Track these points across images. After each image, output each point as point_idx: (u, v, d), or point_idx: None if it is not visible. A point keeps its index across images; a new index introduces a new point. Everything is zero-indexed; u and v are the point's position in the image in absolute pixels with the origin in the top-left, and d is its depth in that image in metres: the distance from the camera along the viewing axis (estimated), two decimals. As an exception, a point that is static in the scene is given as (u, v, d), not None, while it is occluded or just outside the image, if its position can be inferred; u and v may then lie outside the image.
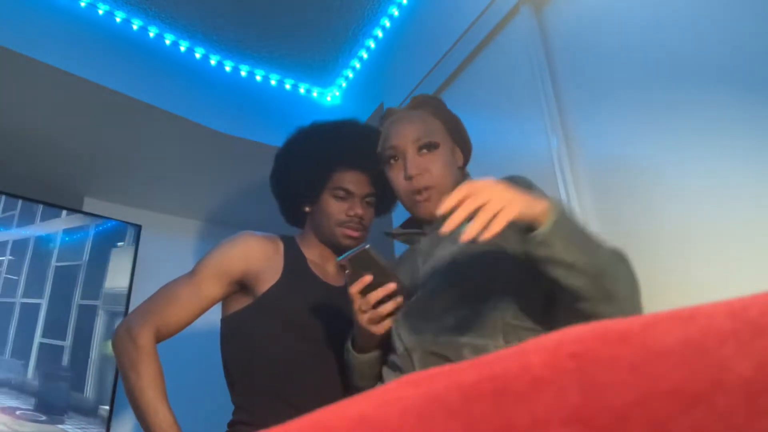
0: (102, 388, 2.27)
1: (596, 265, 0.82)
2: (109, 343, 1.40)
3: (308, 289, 1.26)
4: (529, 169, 1.20)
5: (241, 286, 1.26)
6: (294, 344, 1.20)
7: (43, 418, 2.12)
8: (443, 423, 0.31)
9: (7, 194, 2.25)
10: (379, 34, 2.35)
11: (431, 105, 1.18)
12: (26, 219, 2.31)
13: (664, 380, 0.28)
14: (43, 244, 2.33)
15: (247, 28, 2.30)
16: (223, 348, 1.29)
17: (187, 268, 1.30)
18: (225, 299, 1.29)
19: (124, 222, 2.53)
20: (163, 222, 2.80)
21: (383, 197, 1.34)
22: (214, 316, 1.33)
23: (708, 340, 0.29)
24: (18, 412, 2.06)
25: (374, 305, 0.97)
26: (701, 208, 1.09)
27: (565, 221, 0.82)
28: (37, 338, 2.20)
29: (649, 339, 0.31)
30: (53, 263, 2.33)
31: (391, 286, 0.96)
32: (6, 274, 2.21)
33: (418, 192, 1.07)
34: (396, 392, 0.35)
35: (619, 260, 0.86)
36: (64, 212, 2.41)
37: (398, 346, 0.98)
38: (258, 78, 2.49)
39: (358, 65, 2.49)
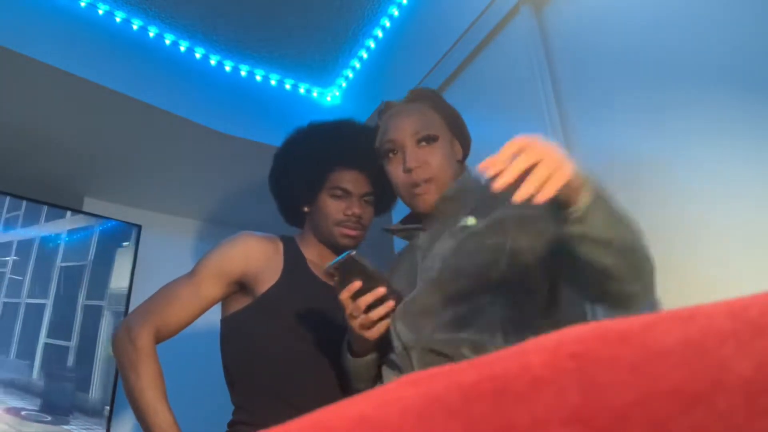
0: (107, 389, 2.27)
1: (631, 241, 0.80)
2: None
3: (308, 289, 1.26)
4: (529, 169, 1.20)
5: (241, 286, 1.26)
6: (294, 344, 1.20)
7: (49, 418, 2.11)
8: (443, 423, 0.31)
9: (7, 194, 2.25)
10: (379, 34, 2.35)
11: (429, 98, 1.17)
12: (31, 219, 2.31)
13: (664, 380, 0.28)
14: (47, 244, 2.32)
15: (247, 28, 2.30)
16: (222, 348, 1.29)
17: (187, 268, 1.30)
18: (225, 299, 1.29)
19: (124, 222, 2.53)
20: (163, 222, 2.80)
21: (382, 196, 1.34)
22: (214, 316, 1.33)
23: (708, 340, 0.29)
24: (23, 413, 2.06)
25: (365, 310, 0.96)
26: (701, 208, 1.09)
27: (602, 196, 0.78)
28: (42, 339, 2.19)
29: (649, 339, 0.31)
30: (58, 263, 2.32)
31: (381, 291, 0.94)
32: (11, 274, 2.21)
33: (417, 185, 1.06)
34: (396, 392, 0.35)
35: (642, 234, 0.84)
36: (69, 212, 2.41)
37: (396, 344, 0.97)
38: (258, 78, 2.49)
39: (358, 65, 2.49)
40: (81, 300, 2.33)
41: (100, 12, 2.13)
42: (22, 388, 2.09)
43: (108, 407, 2.24)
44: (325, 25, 2.31)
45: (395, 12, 2.27)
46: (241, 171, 2.46)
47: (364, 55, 2.44)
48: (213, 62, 2.39)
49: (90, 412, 2.22)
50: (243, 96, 2.42)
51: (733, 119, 1.07)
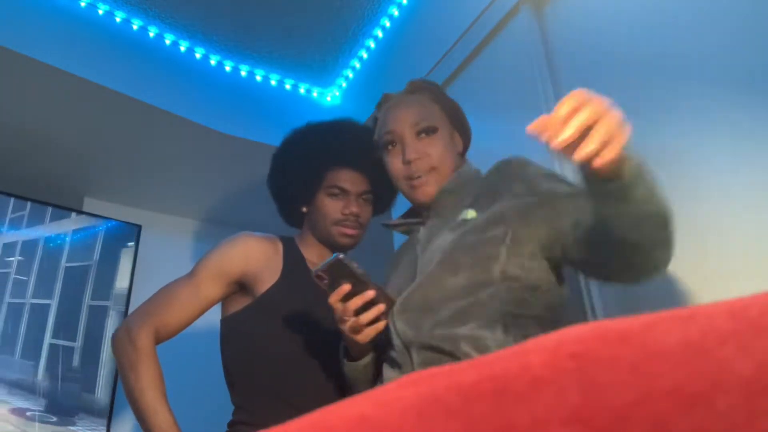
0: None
1: (666, 212, 0.76)
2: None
3: (307, 290, 1.25)
4: (529, 169, 1.19)
5: (241, 286, 1.26)
6: (293, 344, 1.20)
7: (54, 419, 2.11)
8: (443, 423, 0.31)
9: (7, 194, 2.25)
10: (379, 34, 2.35)
11: (429, 89, 1.15)
12: (35, 220, 2.31)
13: (664, 380, 0.28)
14: (52, 244, 2.32)
15: (247, 28, 2.30)
16: (222, 348, 1.29)
17: (187, 268, 1.30)
18: (224, 300, 1.29)
19: (124, 222, 2.53)
20: (163, 222, 2.80)
21: (380, 195, 1.35)
22: (214, 317, 1.33)
23: (708, 340, 0.29)
24: (28, 413, 2.06)
25: (355, 313, 0.94)
26: (701, 208, 1.09)
27: (644, 166, 0.73)
28: (47, 339, 2.19)
29: (649, 339, 0.31)
30: (63, 264, 2.32)
31: (370, 294, 0.93)
32: (15, 274, 2.20)
33: (417, 176, 1.05)
34: (396, 392, 0.35)
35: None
36: (73, 213, 2.41)
37: (396, 341, 0.95)
38: (258, 78, 2.49)
39: (358, 65, 2.49)
40: (86, 300, 2.32)
41: (100, 12, 2.13)
42: (27, 389, 2.09)
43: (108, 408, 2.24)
44: (325, 25, 2.31)
45: (395, 12, 2.27)
46: (241, 171, 2.46)
47: (364, 55, 2.44)
48: (213, 62, 2.39)
49: (96, 412, 2.21)
50: (243, 96, 2.42)
51: (733, 119, 1.07)
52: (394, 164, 1.09)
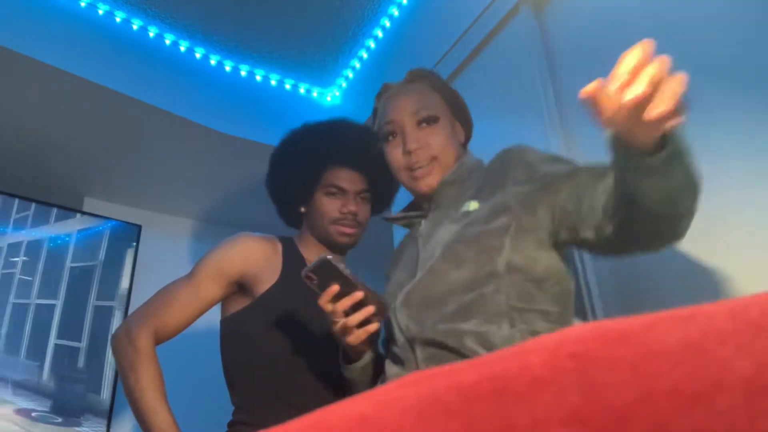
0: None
1: (701, 181, 0.71)
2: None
3: (306, 290, 1.25)
4: (529, 169, 1.19)
5: (240, 287, 1.26)
6: (293, 344, 1.21)
7: (59, 419, 2.11)
8: (443, 423, 0.31)
9: (7, 194, 2.25)
10: (379, 34, 2.35)
11: (429, 78, 1.12)
12: (40, 220, 2.31)
13: (664, 380, 0.28)
14: (57, 244, 2.32)
15: (247, 28, 2.30)
16: (222, 349, 1.29)
17: (187, 268, 1.30)
18: (224, 300, 1.29)
19: (124, 222, 2.53)
20: (163, 222, 2.80)
21: (379, 193, 1.35)
22: (213, 317, 1.33)
23: (708, 340, 0.29)
24: (34, 414, 2.06)
25: (345, 315, 0.93)
26: (701, 206, 1.09)
27: (683, 137, 0.66)
28: (53, 339, 2.19)
29: (649, 339, 0.31)
30: (68, 264, 2.32)
31: (358, 295, 0.92)
32: (20, 275, 2.20)
33: (418, 167, 1.02)
34: (396, 392, 0.35)
35: None
36: (74, 213, 2.41)
37: (398, 336, 0.93)
38: (258, 78, 2.49)
39: (358, 65, 2.49)
40: (91, 300, 2.32)
41: (100, 12, 2.13)
42: (33, 389, 2.09)
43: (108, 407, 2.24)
44: (325, 25, 2.31)
45: (395, 12, 2.27)
46: (241, 171, 2.46)
47: (364, 55, 2.44)
48: (213, 62, 2.39)
49: (101, 413, 2.21)
50: (243, 96, 2.42)
51: (733, 119, 1.07)
52: (395, 155, 1.06)
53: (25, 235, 2.25)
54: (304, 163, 1.32)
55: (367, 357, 1.02)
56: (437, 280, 0.92)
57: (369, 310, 0.93)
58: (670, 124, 0.60)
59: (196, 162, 2.45)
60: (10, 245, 2.21)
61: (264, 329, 1.22)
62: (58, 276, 2.28)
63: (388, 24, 2.31)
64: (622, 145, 0.67)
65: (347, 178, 1.30)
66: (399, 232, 1.80)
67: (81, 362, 2.23)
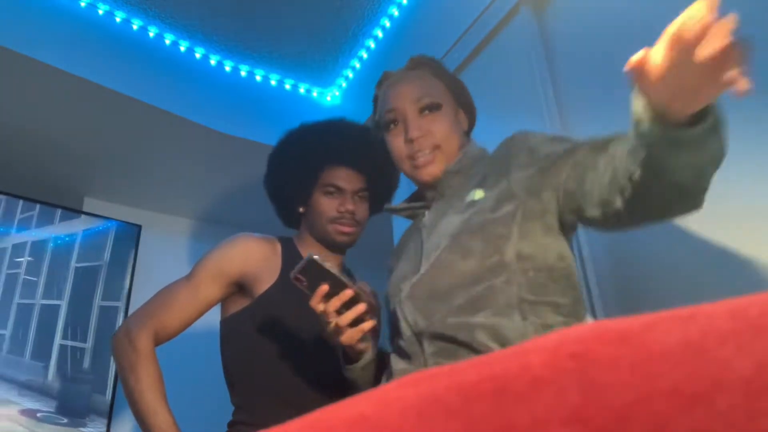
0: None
1: (723, 154, 0.68)
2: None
3: (307, 290, 1.26)
4: (529, 169, 1.19)
5: (240, 287, 1.26)
6: (293, 344, 1.21)
7: (65, 420, 2.10)
8: (443, 423, 0.31)
9: (7, 194, 2.25)
10: (379, 34, 2.35)
11: (431, 65, 1.10)
12: (45, 220, 2.30)
13: (664, 380, 0.28)
14: (62, 245, 2.32)
15: (247, 28, 2.30)
16: (222, 349, 1.29)
17: (187, 269, 1.30)
18: (224, 301, 1.29)
19: (124, 222, 2.53)
20: (163, 222, 2.80)
21: (377, 193, 1.35)
22: (213, 318, 1.33)
23: (708, 340, 0.29)
24: (39, 414, 2.05)
25: (337, 315, 0.92)
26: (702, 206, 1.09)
27: (721, 111, 0.63)
28: (58, 340, 2.18)
29: (649, 339, 0.31)
30: (73, 264, 2.31)
31: (348, 293, 0.90)
32: (25, 275, 2.20)
33: (420, 155, 0.99)
34: (396, 392, 0.35)
35: None
36: (71, 212, 2.41)
37: (405, 330, 0.90)
38: (258, 78, 2.49)
39: (358, 65, 2.49)
40: (96, 301, 2.32)
41: (100, 12, 2.13)
42: (38, 390, 2.08)
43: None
44: (325, 25, 2.31)
45: (395, 12, 2.27)
46: (241, 171, 2.46)
47: (364, 55, 2.44)
48: (213, 62, 2.39)
49: (106, 414, 2.21)
50: (243, 96, 2.42)
51: (733, 119, 1.06)
52: (396, 144, 1.03)
53: (30, 236, 2.25)
54: (301, 163, 1.32)
55: (368, 356, 1.01)
56: (444, 272, 0.89)
57: (360, 308, 0.92)
58: (743, 89, 0.56)
59: (196, 162, 2.45)
60: (14, 245, 2.20)
61: (264, 329, 1.22)
62: (63, 276, 2.27)
63: (388, 24, 2.31)
64: (657, 119, 0.63)
65: (344, 177, 1.30)
66: (399, 231, 1.80)
67: (86, 363, 2.22)
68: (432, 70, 1.08)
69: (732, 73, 0.55)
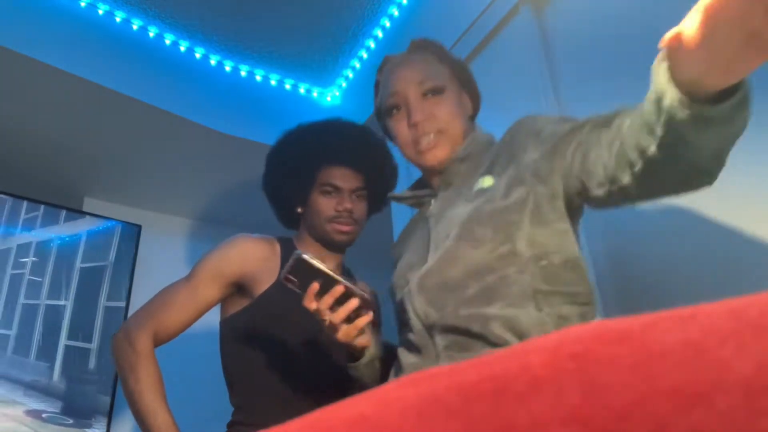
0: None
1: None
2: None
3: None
4: (529, 169, 1.19)
5: (239, 287, 1.26)
6: (292, 345, 1.21)
7: (70, 421, 2.10)
8: (443, 423, 0.31)
9: (6, 194, 2.25)
10: (379, 34, 2.35)
11: (433, 49, 1.06)
12: (49, 220, 2.30)
13: (664, 380, 0.28)
14: (67, 245, 2.31)
15: (247, 28, 2.30)
16: (222, 349, 1.29)
17: (186, 269, 1.30)
18: (224, 301, 1.29)
19: (124, 222, 2.53)
20: (163, 222, 2.80)
21: (375, 192, 1.35)
22: (213, 318, 1.33)
23: (708, 340, 0.29)
24: (44, 415, 2.05)
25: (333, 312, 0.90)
26: (701, 205, 1.09)
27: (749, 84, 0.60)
28: (63, 341, 2.18)
29: (649, 339, 0.31)
30: (78, 264, 2.31)
31: (339, 290, 0.89)
32: (30, 275, 2.19)
33: (425, 139, 0.96)
34: (396, 392, 0.35)
35: None
36: (68, 212, 2.41)
37: (415, 323, 0.88)
38: (258, 78, 2.49)
39: (358, 65, 2.49)
40: (101, 301, 2.31)
41: (100, 12, 2.13)
42: (43, 391, 2.08)
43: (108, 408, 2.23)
44: (325, 25, 2.31)
45: (395, 12, 2.27)
46: (241, 171, 2.47)
47: (364, 55, 2.44)
48: (213, 62, 2.39)
49: (106, 414, 2.20)
50: (243, 96, 2.42)
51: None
52: (400, 129, 1.00)
53: (35, 236, 2.25)
54: (298, 163, 1.33)
55: (370, 353, 0.99)
56: (454, 262, 0.87)
57: (353, 303, 0.90)
58: None
59: (196, 162, 2.45)
60: (19, 246, 2.20)
61: (263, 330, 1.22)
62: (68, 276, 2.27)
63: (388, 24, 2.31)
64: (685, 93, 0.61)
65: (342, 177, 1.30)
66: (399, 230, 1.80)
67: (92, 363, 2.22)
68: (434, 53, 1.06)
69: None
